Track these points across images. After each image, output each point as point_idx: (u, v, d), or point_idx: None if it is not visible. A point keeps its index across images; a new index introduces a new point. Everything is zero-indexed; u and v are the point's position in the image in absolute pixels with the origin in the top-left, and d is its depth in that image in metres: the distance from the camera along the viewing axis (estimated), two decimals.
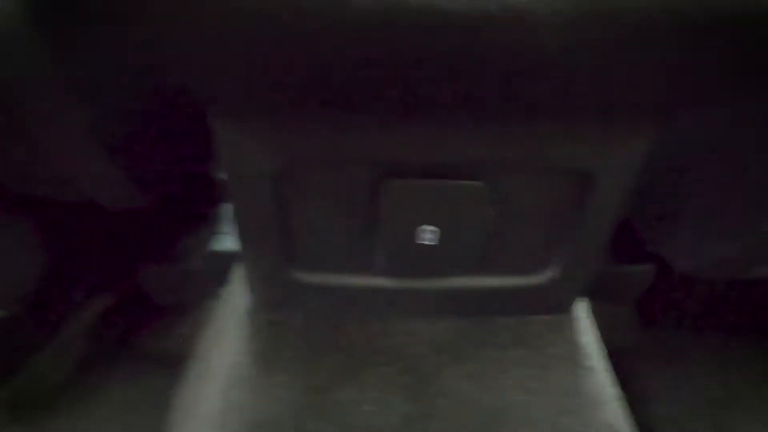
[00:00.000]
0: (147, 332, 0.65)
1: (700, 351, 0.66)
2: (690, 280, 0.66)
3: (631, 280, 0.65)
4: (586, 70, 0.26)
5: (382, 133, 0.33)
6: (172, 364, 0.61)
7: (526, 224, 0.40)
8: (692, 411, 0.61)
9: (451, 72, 0.25)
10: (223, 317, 0.51)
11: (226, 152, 0.34)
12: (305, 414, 0.40)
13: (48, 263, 0.56)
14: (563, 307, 0.49)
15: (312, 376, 0.42)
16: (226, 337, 0.47)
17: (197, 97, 0.30)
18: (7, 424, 0.54)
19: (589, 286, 0.61)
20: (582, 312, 0.51)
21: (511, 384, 0.43)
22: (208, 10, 0.22)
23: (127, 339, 0.63)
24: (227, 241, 0.65)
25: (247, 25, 0.22)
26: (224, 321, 0.50)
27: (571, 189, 0.37)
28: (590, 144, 0.34)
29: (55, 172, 0.35)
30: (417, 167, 0.36)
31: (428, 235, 0.39)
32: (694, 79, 0.28)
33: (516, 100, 0.29)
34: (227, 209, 0.64)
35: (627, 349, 0.65)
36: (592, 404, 0.42)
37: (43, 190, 0.40)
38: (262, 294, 0.45)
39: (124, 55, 0.26)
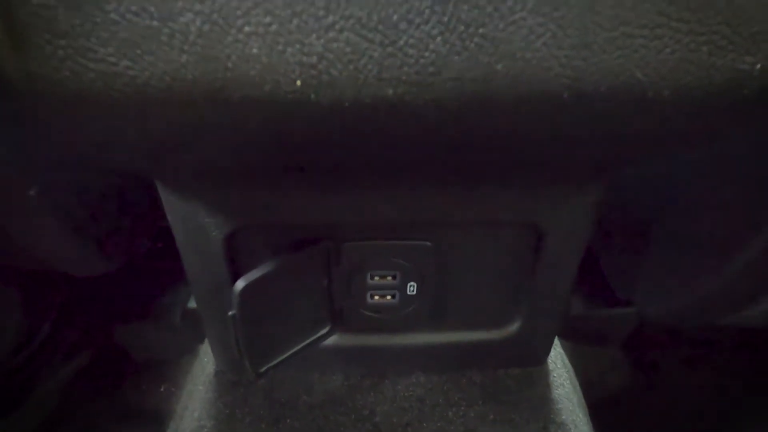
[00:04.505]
0: (124, 389, 0.64)
1: (689, 393, 0.64)
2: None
3: (615, 324, 0.64)
4: (522, 143, 0.25)
5: (328, 197, 0.33)
6: (150, 422, 0.61)
7: (481, 279, 0.39)
8: None
9: (394, 145, 0.24)
10: (194, 376, 0.50)
11: (174, 217, 0.34)
12: None
13: (22, 324, 0.56)
14: (536, 360, 0.48)
15: None
16: (194, 397, 0.47)
17: (139, 167, 0.31)
18: None
19: (571, 331, 0.59)
20: (558, 363, 0.49)
21: None
22: (151, 90, 0.20)
23: (104, 396, 0.62)
24: None
25: (186, 105, 0.21)
26: (195, 380, 0.49)
27: (522, 243, 0.37)
28: (536, 199, 0.34)
29: (11, 243, 0.36)
30: (366, 229, 0.36)
31: (381, 293, 0.39)
32: (629, 143, 0.27)
33: (456, 168, 0.29)
34: None
35: (613, 394, 0.62)
36: None
37: (3, 259, 0.41)
38: (224, 356, 0.45)
39: (66, 131, 0.25)
